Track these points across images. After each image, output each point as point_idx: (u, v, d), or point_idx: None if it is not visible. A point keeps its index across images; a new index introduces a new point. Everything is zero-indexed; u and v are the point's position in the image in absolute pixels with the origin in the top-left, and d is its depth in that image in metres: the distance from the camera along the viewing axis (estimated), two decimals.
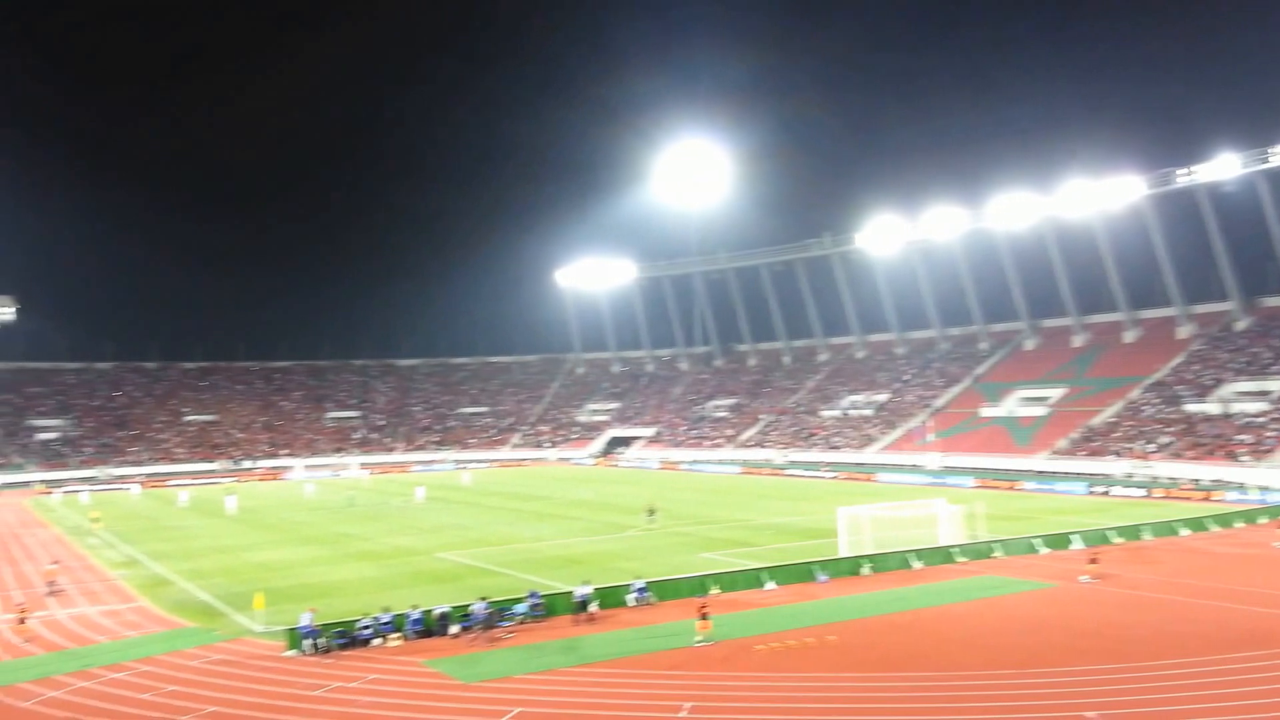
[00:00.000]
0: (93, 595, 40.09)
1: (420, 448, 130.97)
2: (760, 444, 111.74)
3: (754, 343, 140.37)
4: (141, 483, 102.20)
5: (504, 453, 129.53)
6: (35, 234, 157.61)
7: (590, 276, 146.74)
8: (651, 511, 58.64)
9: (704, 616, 29.20)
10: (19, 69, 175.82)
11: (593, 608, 33.27)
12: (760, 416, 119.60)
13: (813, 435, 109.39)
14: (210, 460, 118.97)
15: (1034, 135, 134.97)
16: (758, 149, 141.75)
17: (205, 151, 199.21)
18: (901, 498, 51.25)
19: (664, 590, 35.58)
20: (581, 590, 33.59)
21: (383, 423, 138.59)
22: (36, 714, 24.23)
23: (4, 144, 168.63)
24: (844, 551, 41.67)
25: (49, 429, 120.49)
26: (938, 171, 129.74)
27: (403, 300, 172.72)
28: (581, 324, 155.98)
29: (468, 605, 32.04)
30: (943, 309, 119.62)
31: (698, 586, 36.17)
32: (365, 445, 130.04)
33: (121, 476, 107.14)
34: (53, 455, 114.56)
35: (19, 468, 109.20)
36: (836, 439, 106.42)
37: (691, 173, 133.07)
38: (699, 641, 28.73)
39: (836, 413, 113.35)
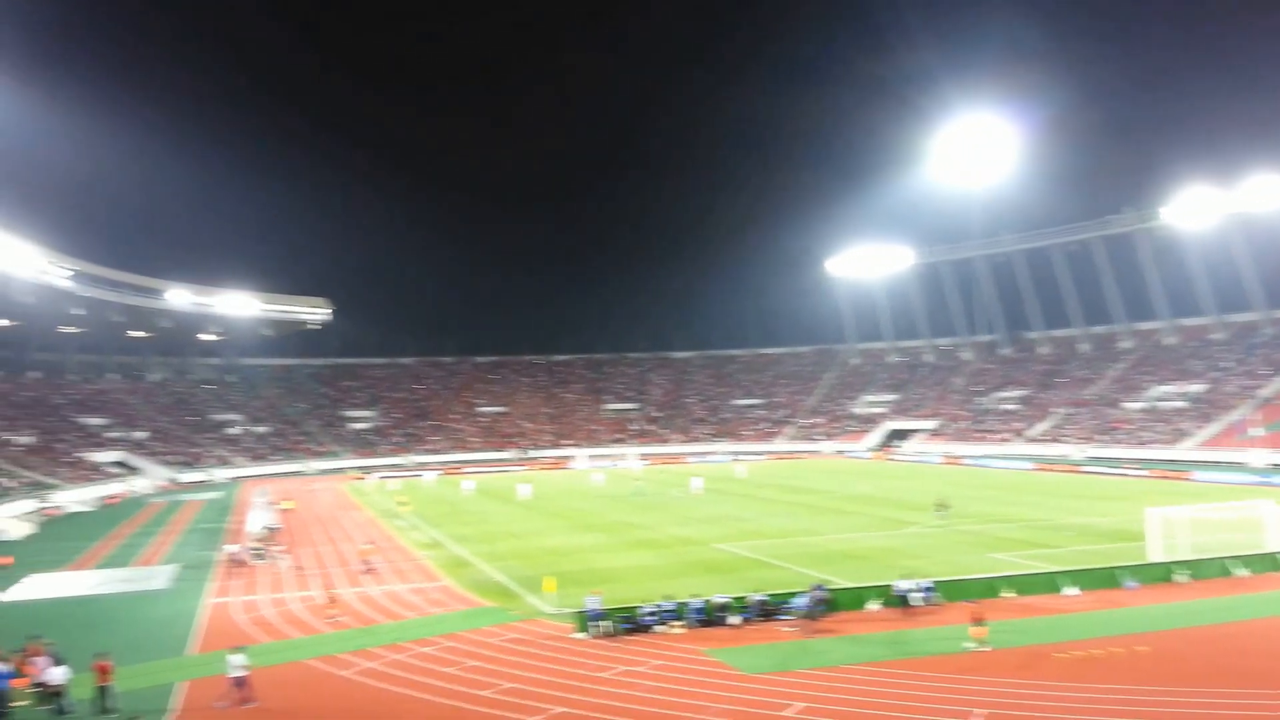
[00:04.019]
0: (402, 574, 43.39)
1: (694, 439, 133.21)
2: (1054, 438, 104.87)
3: (1045, 330, 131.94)
4: (443, 470, 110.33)
5: (777, 444, 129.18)
6: (346, 242, 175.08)
7: (863, 264, 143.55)
8: (942, 506, 56.36)
9: (979, 622, 27.60)
10: (335, 81, 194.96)
11: (871, 605, 32.51)
12: (1053, 409, 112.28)
13: (1115, 429, 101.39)
14: (501, 449, 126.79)
15: None
16: (1047, 120, 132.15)
17: (493, 159, 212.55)
18: (1221, 498, 46.47)
19: (951, 591, 33.93)
20: (901, 585, 32.94)
21: (658, 414, 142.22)
22: (355, 683, 26.27)
23: (319, 160, 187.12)
24: (1154, 556, 38.07)
25: (360, 419, 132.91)
26: (1258, 135, 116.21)
27: (676, 294, 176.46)
28: (855, 313, 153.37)
29: (745, 596, 32.13)
30: (1269, 288, 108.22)
31: (987, 588, 34.21)
32: (642, 436, 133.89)
33: (423, 464, 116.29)
34: (364, 444, 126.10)
35: (335, 455, 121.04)
36: (1143, 433, 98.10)
37: (973, 150, 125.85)
38: (972, 647, 27.17)
39: (1143, 405, 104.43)
